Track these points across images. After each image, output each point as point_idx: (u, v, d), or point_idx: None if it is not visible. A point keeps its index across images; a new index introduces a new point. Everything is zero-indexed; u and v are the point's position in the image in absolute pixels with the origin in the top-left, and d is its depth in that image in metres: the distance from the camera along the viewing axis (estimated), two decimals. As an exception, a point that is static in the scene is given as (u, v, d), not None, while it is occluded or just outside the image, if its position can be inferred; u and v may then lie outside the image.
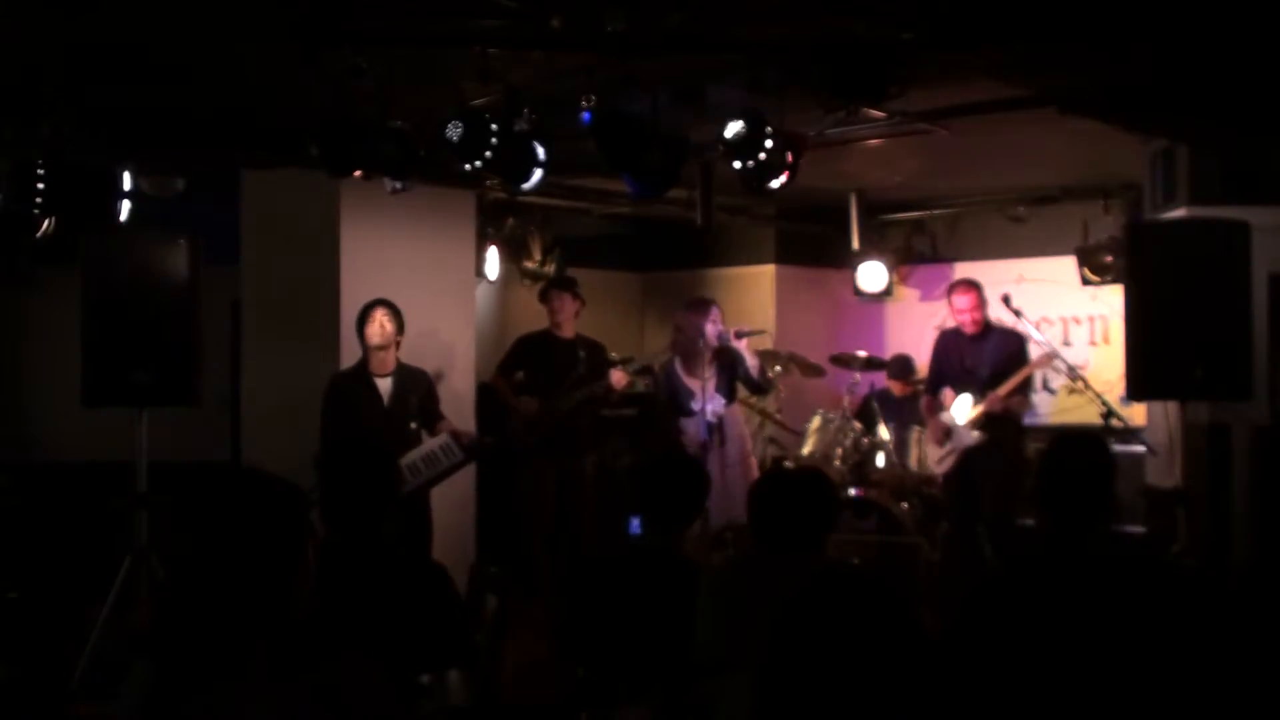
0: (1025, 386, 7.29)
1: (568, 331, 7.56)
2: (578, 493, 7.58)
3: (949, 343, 7.56)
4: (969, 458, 7.26)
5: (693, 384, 7.08)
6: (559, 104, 5.22)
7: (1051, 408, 9.09)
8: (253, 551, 2.27)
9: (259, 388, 7.54)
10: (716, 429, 7.05)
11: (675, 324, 7.30)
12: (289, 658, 2.27)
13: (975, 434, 7.24)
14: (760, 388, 7.37)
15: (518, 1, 4.49)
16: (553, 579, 7.17)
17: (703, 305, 7.23)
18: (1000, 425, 7.18)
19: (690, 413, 7.11)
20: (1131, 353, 6.04)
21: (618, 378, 7.43)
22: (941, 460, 7.47)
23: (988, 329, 7.37)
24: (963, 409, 7.31)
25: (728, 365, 7.15)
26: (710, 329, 7.06)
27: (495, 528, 7.93)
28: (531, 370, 7.52)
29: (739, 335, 7.11)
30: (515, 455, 7.49)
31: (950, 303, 7.51)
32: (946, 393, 7.46)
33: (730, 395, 7.21)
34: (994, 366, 7.22)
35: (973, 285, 7.42)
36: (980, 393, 7.22)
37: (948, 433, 7.36)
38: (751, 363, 7.14)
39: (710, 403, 7.06)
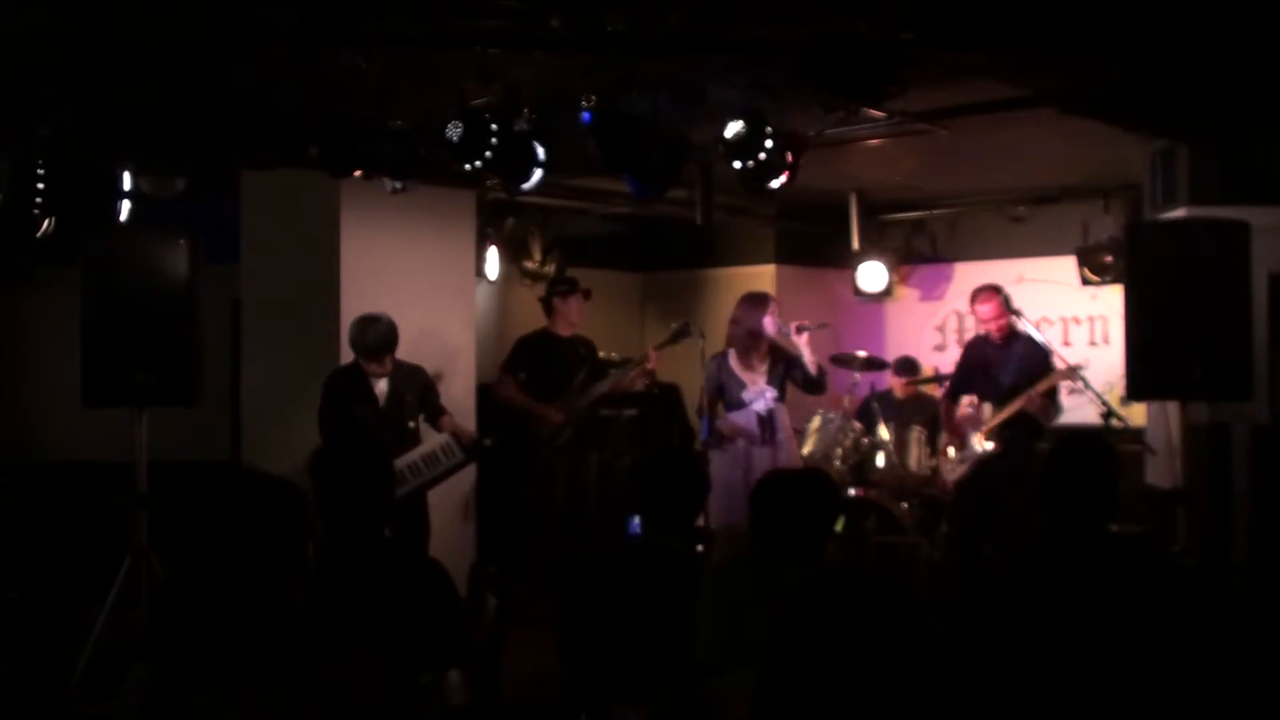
0: (1051, 395, 7.22)
1: (567, 330, 7.59)
2: (584, 490, 7.61)
3: (976, 348, 7.55)
4: (982, 465, 7.25)
5: (746, 376, 7.03)
6: (559, 104, 5.22)
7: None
8: (251, 551, 2.27)
9: (259, 388, 7.54)
10: (768, 423, 6.98)
11: (732, 317, 7.21)
12: (289, 658, 2.27)
13: (989, 444, 7.22)
14: (817, 385, 7.15)
15: (518, 1, 4.49)
16: (558, 577, 7.18)
17: (762, 300, 7.16)
18: (1018, 433, 7.14)
19: (739, 404, 7.03)
20: (1131, 353, 6.04)
21: (653, 358, 7.47)
22: (955, 466, 7.46)
23: (1014, 336, 7.33)
24: (981, 416, 7.31)
25: (782, 361, 7.06)
26: (769, 322, 7.02)
27: (496, 528, 7.93)
28: (534, 370, 7.53)
29: (800, 329, 7.00)
30: (528, 455, 7.49)
31: (974, 311, 7.49)
32: (967, 399, 7.45)
33: (782, 392, 7.09)
34: (1016, 376, 7.19)
35: (995, 291, 7.36)
36: (1000, 401, 7.21)
37: (964, 440, 7.35)
38: (809, 359, 7.01)
39: (761, 397, 7.01)
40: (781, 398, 7.08)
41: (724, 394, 7.07)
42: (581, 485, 7.62)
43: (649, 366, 7.55)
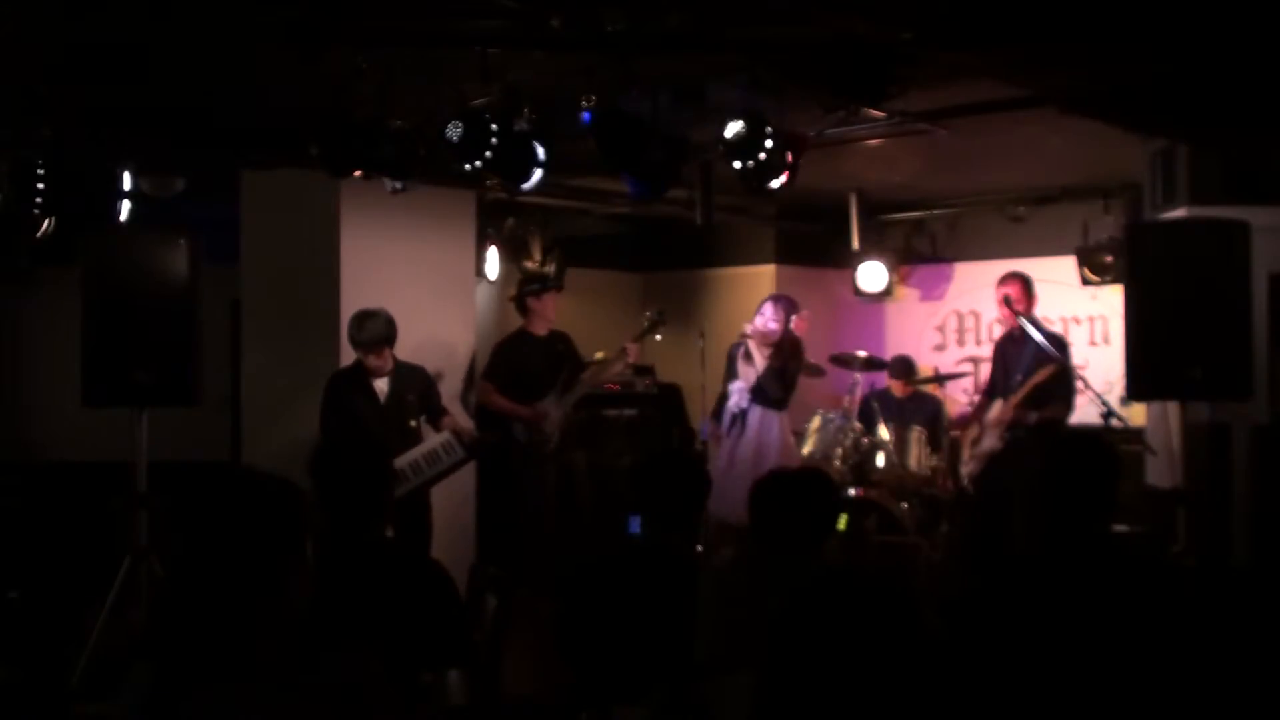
0: (1060, 394, 7.18)
1: (543, 329, 7.61)
2: (574, 490, 7.63)
3: (1000, 348, 7.62)
4: (990, 464, 7.25)
5: (742, 371, 7.44)
6: (559, 104, 5.22)
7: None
8: (250, 551, 2.27)
9: (259, 388, 7.53)
10: (736, 419, 7.29)
11: None
12: (289, 658, 2.27)
13: (994, 441, 7.24)
14: (764, 394, 7.33)
15: (518, 1, 4.49)
16: (553, 577, 7.19)
17: (764, 301, 7.56)
18: (1025, 432, 7.12)
19: (725, 396, 7.46)
20: (1131, 353, 6.04)
21: (632, 351, 7.57)
22: (968, 463, 7.50)
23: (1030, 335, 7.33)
24: (992, 414, 7.34)
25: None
26: (756, 321, 7.41)
27: (495, 528, 7.93)
28: (514, 373, 7.52)
29: (746, 335, 7.25)
30: (517, 458, 7.50)
31: (999, 292, 7.49)
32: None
33: (756, 395, 7.32)
34: (1026, 374, 7.20)
35: (1010, 280, 7.35)
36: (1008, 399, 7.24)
37: (978, 438, 7.38)
38: (759, 363, 7.16)
39: (736, 392, 7.38)
40: (762, 400, 7.32)
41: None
42: (571, 486, 7.63)
43: (630, 360, 7.64)
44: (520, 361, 7.54)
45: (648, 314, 7.80)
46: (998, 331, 7.73)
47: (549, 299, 7.64)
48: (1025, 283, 7.34)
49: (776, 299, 7.52)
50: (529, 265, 9.14)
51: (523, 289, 7.84)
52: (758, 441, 7.32)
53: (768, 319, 7.34)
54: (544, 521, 7.49)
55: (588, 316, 8.09)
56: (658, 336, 7.81)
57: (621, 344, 7.83)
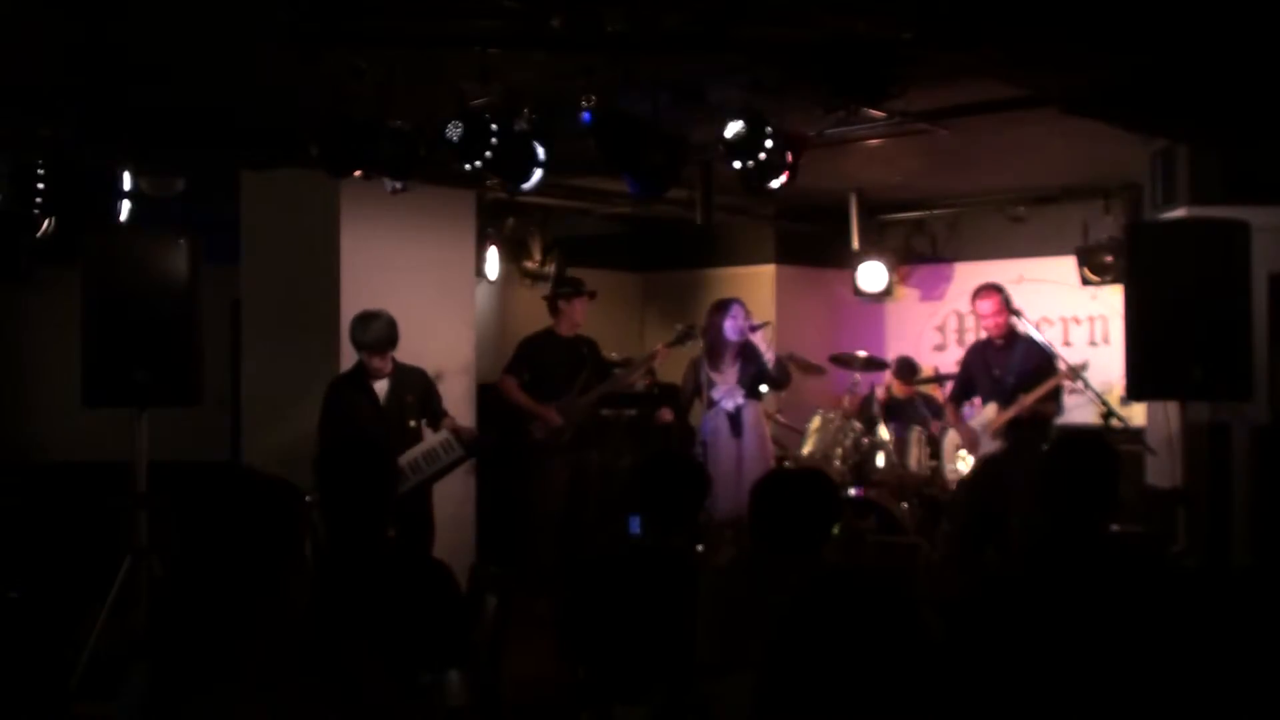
0: (1054, 395, 7.24)
1: (570, 331, 7.63)
2: (586, 489, 7.65)
3: (978, 353, 7.58)
4: (987, 464, 7.26)
5: (716, 377, 7.49)
6: (559, 104, 5.22)
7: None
8: (250, 551, 2.27)
9: (259, 388, 7.54)
10: (735, 419, 7.39)
11: (703, 324, 7.66)
12: (288, 658, 2.27)
13: (994, 442, 7.24)
14: (775, 381, 7.49)
15: (518, 1, 4.49)
16: (558, 577, 7.19)
17: (723, 304, 7.62)
18: (1026, 432, 7.13)
19: (712, 403, 7.47)
20: (1131, 353, 6.04)
21: (662, 354, 7.67)
22: (960, 465, 7.50)
23: (1015, 337, 7.33)
24: (985, 416, 7.34)
25: (751, 361, 7.45)
26: (729, 325, 7.47)
27: (496, 527, 7.93)
28: (536, 371, 7.56)
29: (753, 329, 7.31)
30: (529, 455, 7.52)
31: (974, 308, 7.53)
32: (975, 402, 7.50)
33: (750, 390, 7.45)
34: (1020, 376, 7.20)
35: (995, 289, 7.38)
36: (1005, 401, 7.22)
37: (974, 440, 7.37)
38: (767, 356, 7.34)
39: (729, 396, 7.42)
40: (753, 395, 7.46)
41: (701, 394, 7.57)
42: (583, 485, 7.65)
43: (657, 363, 7.71)
44: (543, 359, 7.59)
45: (678, 326, 7.85)
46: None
47: (578, 303, 7.69)
48: (1003, 292, 7.40)
49: (739, 303, 7.60)
50: (529, 265, 9.15)
51: (556, 290, 7.88)
52: (757, 434, 7.47)
53: (740, 321, 7.44)
54: (552, 520, 7.50)
55: (587, 316, 8.09)
56: (684, 348, 7.84)
57: (652, 347, 7.92)
